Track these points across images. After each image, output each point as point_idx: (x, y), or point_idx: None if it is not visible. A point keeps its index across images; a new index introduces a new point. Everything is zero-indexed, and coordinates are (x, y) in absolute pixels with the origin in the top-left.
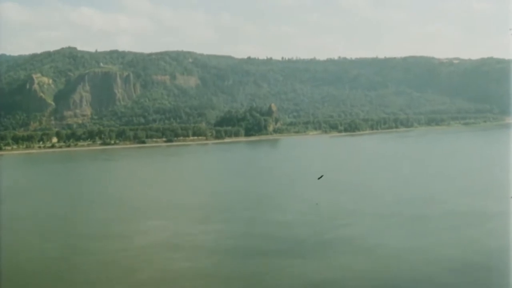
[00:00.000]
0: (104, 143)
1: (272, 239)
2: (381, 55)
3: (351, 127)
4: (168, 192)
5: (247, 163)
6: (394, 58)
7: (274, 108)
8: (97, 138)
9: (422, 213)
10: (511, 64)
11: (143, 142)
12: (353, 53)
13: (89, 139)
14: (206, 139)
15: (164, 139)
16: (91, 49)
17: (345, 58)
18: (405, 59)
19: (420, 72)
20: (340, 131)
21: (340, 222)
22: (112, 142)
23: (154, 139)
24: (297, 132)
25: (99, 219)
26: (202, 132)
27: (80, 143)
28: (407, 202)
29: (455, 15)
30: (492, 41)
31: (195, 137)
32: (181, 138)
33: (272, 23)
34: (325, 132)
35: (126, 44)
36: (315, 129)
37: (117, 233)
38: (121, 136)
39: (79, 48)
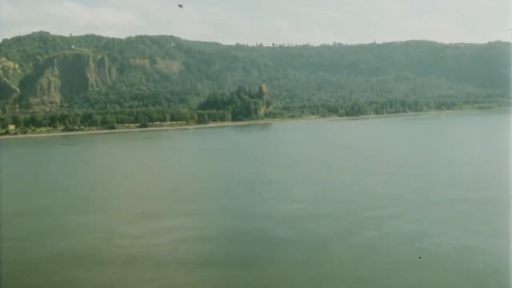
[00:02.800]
0: (67, 129)
1: (270, 242)
2: (379, 41)
3: (354, 111)
4: (125, 178)
5: (233, 146)
6: (394, 42)
7: (265, 89)
8: (58, 123)
9: (501, 198)
10: None
11: (113, 128)
12: (348, 41)
13: (50, 126)
14: (187, 124)
15: (137, 124)
16: (65, 33)
17: (340, 44)
18: (406, 43)
19: (423, 56)
20: (341, 115)
21: (379, 213)
22: (76, 128)
23: (126, 125)
24: (292, 116)
25: (12, 213)
26: (182, 116)
27: (39, 130)
28: (469, 184)
29: (453, 7)
30: (492, 33)
31: (174, 122)
32: (157, 123)
33: (264, 17)
34: (324, 116)
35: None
36: (312, 113)
37: (22, 234)
38: (87, 121)
39: (52, 32)
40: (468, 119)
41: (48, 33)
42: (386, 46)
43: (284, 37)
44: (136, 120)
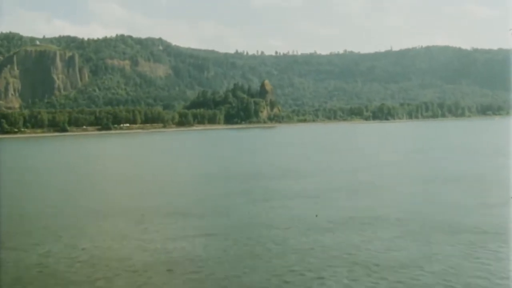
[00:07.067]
0: (2, 131)
1: None
2: (396, 48)
3: (382, 113)
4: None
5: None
6: (414, 48)
7: (268, 86)
8: None
9: None
10: None
11: (65, 130)
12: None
13: None
14: (164, 127)
15: (98, 126)
16: (39, 35)
17: (352, 52)
18: (427, 48)
19: (449, 62)
20: (366, 118)
21: None
22: (16, 130)
23: (83, 127)
24: (304, 120)
25: None
26: (158, 117)
27: None
28: None
29: (455, 24)
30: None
31: (148, 125)
32: (126, 125)
33: (263, 34)
34: (344, 120)
35: None
36: (328, 117)
37: None
38: (31, 122)
39: (25, 34)
40: None
41: (18, 33)
42: (404, 52)
43: (288, 48)
44: (96, 121)
